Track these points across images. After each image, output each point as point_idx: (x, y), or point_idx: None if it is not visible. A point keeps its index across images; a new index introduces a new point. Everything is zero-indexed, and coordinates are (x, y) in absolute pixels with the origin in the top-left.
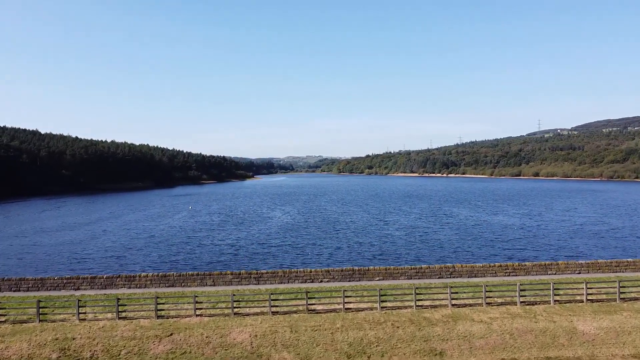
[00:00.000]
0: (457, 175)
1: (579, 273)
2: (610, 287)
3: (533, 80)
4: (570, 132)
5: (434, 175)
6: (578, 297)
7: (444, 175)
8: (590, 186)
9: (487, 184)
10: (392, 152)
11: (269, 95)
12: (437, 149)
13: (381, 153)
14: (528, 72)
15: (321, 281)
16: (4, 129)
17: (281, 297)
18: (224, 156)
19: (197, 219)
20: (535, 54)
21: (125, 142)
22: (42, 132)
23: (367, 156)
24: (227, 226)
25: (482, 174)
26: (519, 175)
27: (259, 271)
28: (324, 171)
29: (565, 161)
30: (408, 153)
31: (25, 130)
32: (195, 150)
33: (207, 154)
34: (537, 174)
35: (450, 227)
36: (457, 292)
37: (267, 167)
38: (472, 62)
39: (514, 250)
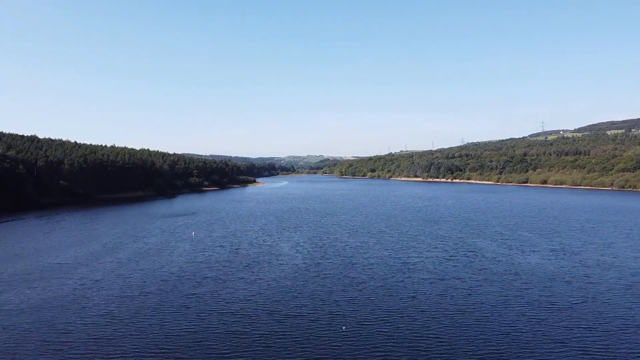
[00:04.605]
0: (462, 180)
1: None
2: None
3: (535, 79)
4: (574, 135)
5: (438, 180)
6: None
7: (449, 180)
8: (608, 200)
9: (499, 195)
10: (394, 153)
11: (269, 94)
12: (439, 150)
13: (383, 155)
14: (530, 70)
15: None
16: (0, 135)
17: None
18: (225, 161)
19: (200, 255)
20: (537, 51)
21: (126, 148)
22: (40, 137)
23: (370, 158)
24: (232, 273)
25: (488, 180)
26: (526, 182)
27: None
28: (326, 173)
29: (573, 168)
30: (410, 155)
31: (22, 136)
32: (195, 151)
33: (209, 158)
34: (544, 182)
35: (486, 278)
36: None
37: (269, 169)
38: (474, 61)
39: (591, 341)
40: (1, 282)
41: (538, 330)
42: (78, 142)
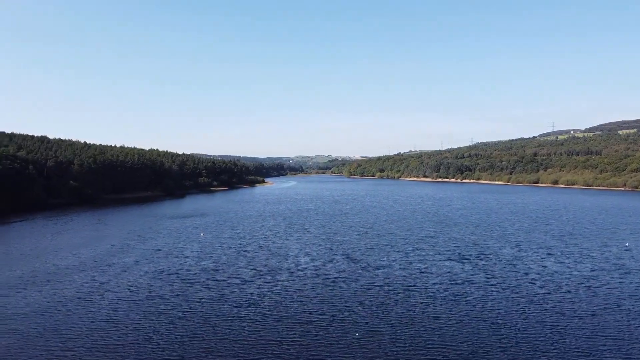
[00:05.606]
0: (471, 180)
1: None
2: None
3: (545, 78)
4: (585, 135)
5: (447, 180)
6: None
7: (458, 180)
8: (622, 201)
9: (510, 196)
10: (403, 153)
11: (278, 94)
12: (448, 150)
13: (392, 155)
14: (540, 70)
15: None
16: (11, 136)
17: None
18: (234, 161)
19: (208, 257)
20: (547, 50)
21: (135, 148)
22: (51, 137)
23: (379, 159)
24: (240, 276)
25: (498, 181)
26: (537, 183)
27: None
28: (334, 173)
29: (585, 168)
30: (419, 155)
31: (32, 137)
32: (204, 151)
33: (218, 157)
34: (556, 182)
35: (501, 283)
36: None
37: (277, 169)
38: (483, 60)
39: (615, 351)
40: (7, 284)
41: (559, 339)
42: (88, 142)
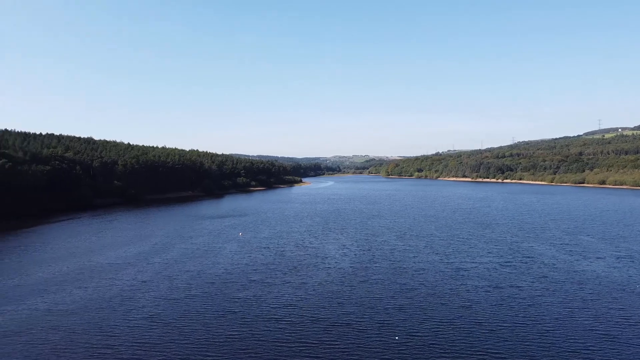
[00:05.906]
0: (513, 180)
1: None
2: None
3: (591, 75)
4: (634, 133)
5: (488, 180)
6: None
7: (499, 180)
8: None
9: (554, 197)
10: (441, 152)
11: (315, 94)
12: (488, 150)
13: (430, 154)
14: (585, 66)
15: None
16: (59, 137)
17: None
18: (272, 162)
19: (246, 257)
20: (594, 47)
21: (176, 149)
22: (96, 138)
23: (417, 158)
24: (278, 276)
25: (541, 181)
26: (583, 183)
27: None
28: (372, 173)
29: (634, 168)
30: (458, 155)
31: (79, 138)
32: (242, 151)
33: (256, 158)
34: (603, 182)
35: (547, 287)
36: None
37: (314, 169)
38: (526, 58)
39: None
40: (54, 281)
41: (611, 349)
42: (131, 143)
